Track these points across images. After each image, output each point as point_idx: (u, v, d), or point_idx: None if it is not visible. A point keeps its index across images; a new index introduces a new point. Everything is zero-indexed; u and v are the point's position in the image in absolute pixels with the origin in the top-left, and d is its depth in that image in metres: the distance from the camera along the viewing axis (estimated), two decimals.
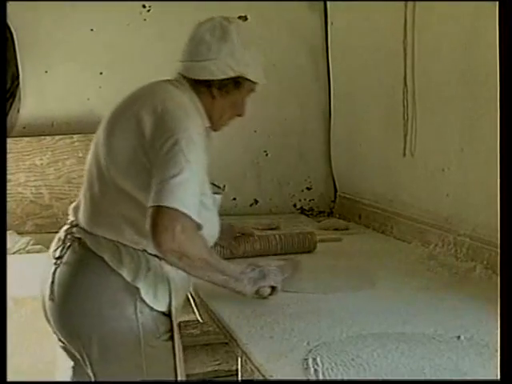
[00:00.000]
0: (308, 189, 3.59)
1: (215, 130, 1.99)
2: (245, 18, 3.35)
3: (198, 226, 1.72)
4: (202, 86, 1.93)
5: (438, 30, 2.47)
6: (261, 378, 1.46)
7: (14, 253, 2.80)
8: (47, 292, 1.87)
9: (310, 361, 1.47)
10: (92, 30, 3.26)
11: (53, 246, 1.95)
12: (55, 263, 1.87)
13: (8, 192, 3.01)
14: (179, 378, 1.87)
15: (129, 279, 1.79)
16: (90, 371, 1.86)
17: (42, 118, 3.24)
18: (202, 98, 1.92)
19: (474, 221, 2.30)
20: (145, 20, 3.31)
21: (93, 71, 3.28)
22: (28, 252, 2.85)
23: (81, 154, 3.14)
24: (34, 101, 3.22)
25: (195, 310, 2.08)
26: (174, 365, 1.86)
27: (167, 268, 1.83)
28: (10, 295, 1.86)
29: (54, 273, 1.86)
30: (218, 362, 2.81)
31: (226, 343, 1.79)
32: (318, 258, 2.46)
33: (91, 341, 1.81)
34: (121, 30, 3.29)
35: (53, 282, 1.85)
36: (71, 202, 3.02)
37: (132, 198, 1.81)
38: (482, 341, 1.57)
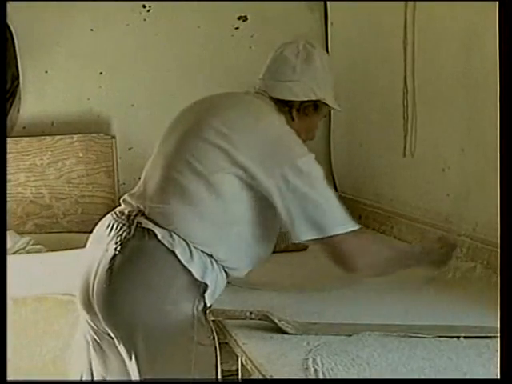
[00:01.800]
0: None
1: None
2: (245, 18, 3.35)
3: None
4: (282, 106, 1.99)
5: (438, 30, 2.47)
6: (261, 377, 1.46)
7: (14, 253, 2.80)
8: (99, 278, 1.83)
9: (310, 361, 1.47)
10: (92, 30, 3.26)
11: (102, 232, 1.91)
12: (115, 249, 1.82)
13: (8, 192, 3.00)
14: (219, 377, 1.88)
15: (198, 276, 1.80)
16: (134, 363, 1.82)
17: (42, 118, 3.23)
18: (283, 118, 1.97)
19: (474, 221, 2.30)
20: (145, 20, 3.30)
21: (93, 71, 3.27)
22: (28, 252, 2.84)
23: (81, 154, 3.14)
24: (34, 101, 3.22)
25: None
26: (216, 363, 1.86)
27: (223, 270, 1.87)
28: (10, 295, 1.86)
29: (112, 258, 1.82)
30: None
31: (226, 343, 1.79)
32: (318, 258, 2.46)
33: (145, 333, 1.79)
34: (121, 30, 3.28)
35: (110, 268, 1.81)
36: (71, 202, 3.02)
37: (215, 211, 1.83)
38: (481, 341, 1.57)
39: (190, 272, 1.79)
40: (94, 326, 1.93)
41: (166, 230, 1.82)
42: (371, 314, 1.79)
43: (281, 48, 2.04)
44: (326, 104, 2.04)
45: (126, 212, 1.90)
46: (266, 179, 1.81)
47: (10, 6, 2.87)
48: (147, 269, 1.80)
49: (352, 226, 1.82)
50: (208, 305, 1.83)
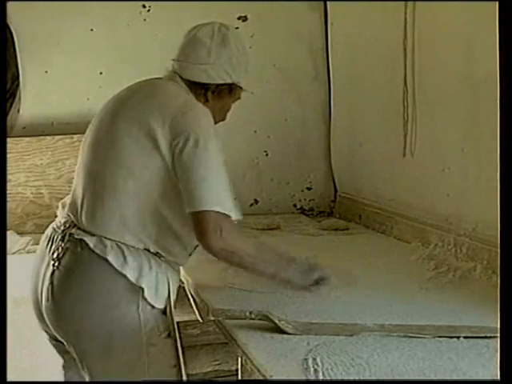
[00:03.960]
0: (308, 189, 3.59)
1: None
2: (245, 18, 3.35)
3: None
4: (197, 89, 1.97)
5: (438, 30, 2.47)
6: (261, 377, 1.46)
7: (13, 253, 2.80)
8: (44, 294, 1.87)
9: (310, 361, 1.47)
10: (92, 29, 3.26)
11: (44, 245, 1.95)
12: (53, 265, 1.86)
13: (8, 192, 3.00)
14: (182, 376, 1.89)
15: (133, 279, 1.82)
16: (85, 370, 1.87)
17: (42, 118, 3.24)
18: (197, 99, 1.95)
19: (474, 221, 2.30)
20: (145, 20, 3.31)
21: (93, 71, 3.28)
22: (28, 252, 2.84)
23: None
24: (34, 101, 3.22)
25: (195, 310, 2.08)
26: (177, 361, 1.89)
27: (165, 265, 1.88)
28: (10, 295, 1.86)
29: (52, 275, 1.86)
30: (218, 362, 2.80)
31: (226, 343, 1.79)
32: (318, 258, 2.46)
33: (94, 341, 1.82)
34: (121, 30, 3.29)
35: (51, 284, 1.85)
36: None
37: (137, 198, 1.83)
38: (482, 341, 1.57)
39: (125, 276, 1.82)
40: (49, 335, 1.99)
41: (97, 236, 1.84)
42: (371, 314, 1.79)
43: (194, 30, 1.99)
44: (240, 87, 2.04)
45: (62, 224, 1.93)
46: (168, 148, 1.80)
47: (9, 6, 2.87)
48: (85, 279, 1.83)
49: (229, 212, 1.79)
50: (157, 306, 1.85)
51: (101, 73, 3.29)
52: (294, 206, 3.59)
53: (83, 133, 3.15)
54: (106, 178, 1.86)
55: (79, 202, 1.90)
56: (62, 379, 2.13)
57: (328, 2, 3.44)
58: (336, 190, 3.54)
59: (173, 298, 1.90)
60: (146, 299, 1.83)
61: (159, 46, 3.30)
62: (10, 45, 3.08)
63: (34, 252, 2.80)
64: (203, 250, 1.86)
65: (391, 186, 2.92)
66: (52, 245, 1.91)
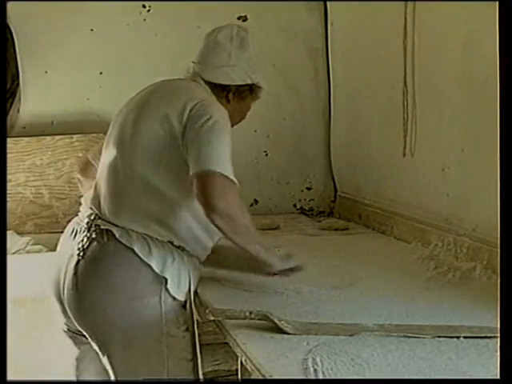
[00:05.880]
0: (308, 189, 3.59)
1: None
2: (245, 18, 3.35)
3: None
4: (219, 90, 2.03)
5: (438, 30, 2.47)
6: (261, 377, 1.46)
7: (13, 253, 2.80)
8: (67, 283, 1.90)
9: (310, 361, 1.47)
10: (92, 30, 3.26)
11: (66, 239, 1.98)
12: (78, 255, 1.89)
13: (8, 192, 3.01)
14: (198, 371, 1.92)
15: (157, 270, 1.85)
16: (105, 359, 1.90)
17: (42, 118, 3.24)
18: (219, 101, 2.00)
19: (474, 221, 2.30)
20: (145, 20, 3.31)
21: (93, 71, 3.28)
22: (28, 252, 2.85)
23: (81, 154, 3.14)
24: (34, 101, 3.22)
25: (195, 309, 2.08)
26: (194, 356, 1.92)
27: (187, 259, 1.92)
28: (10, 295, 1.86)
29: (76, 264, 1.89)
30: (217, 362, 2.80)
31: (226, 343, 1.79)
32: (318, 258, 2.46)
33: (116, 329, 1.86)
34: (121, 29, 3.29)
35: (75, 273, 1.88)
36: (71, 202, 3.02)
37: (158, 193, 1.87)
38: (482, 341, 1.57)
39: (150, 266, 1.85)
40: (68, 326, 2.00)
41: (122, 228, 1.87)
42: (371, 314, 1.79)
43: (214, 33, 2.07)
44: (260, 87, 2.10)
45: (86, 216, 1.96)
46: (181, 131, 1.85)
47: (9, 6, 2.88)
48: (110, 269, 1.86)
49: (232, 178, 1.80)
50: (178, 298, 1.89)
51: (101, 73, 3.29)
52: (294, 205, 3.59)
53: (83, 133, 3.19)
54: (129, 173, 1.89)
55: (102, 195, 1.94)
56: (61, 378, 2.14)
57: (328, 2, 3.44)
58: (336, 190, 3.54)
59: (193, 291, 1.93)
60: (168, 291, 1.86)
61: (159, 46, 3.30)
62: (10, 45, 3.08)
63: (34, 252, 2.83)
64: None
65: (391, 186, 2.92)
66: (76, 236, 1.94)
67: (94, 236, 1.89)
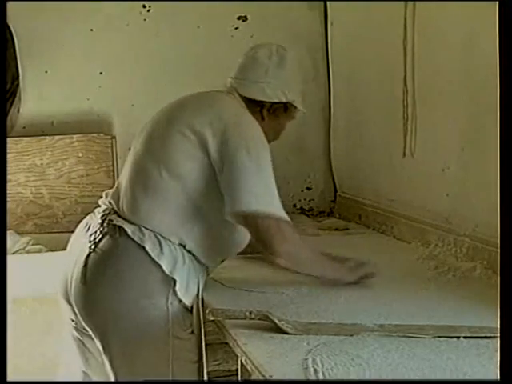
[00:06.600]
0: (308, 189, 3.59)
1: None
2: (245, 18, 3.35)
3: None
4: (253, 106, 2.04)
5: (438, 30, 2.47)
6: (261, 377, 1.46)
7: (13, 253, 2.80)
8: (76, 276, 1.90)
9: (310, 361, 1.47)
10: (92, 30, 3.26)
11: (79, 233, 2.00)
12: (89, 247, 1.90)
13: (8, 192, 3.01)
14: (202, 374, 1.94)
15: (167, 271, 1.86)
16: (106, 357, 1.89)
17: (42, 118, 3.24)
18: (253, 117, 2.00)
19: (474, 221, 2.30)
20: (145, 20, 3.31)
21: (93, 71, 3.28)
22: (28, 252, 2.85)
23: (81, 154, 3.15)
24: (34, 101, 3.22)
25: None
26: (199, 359, 1.93)
27: (197, 264, 1.93)
28: (10, 295, 1.86)
29: (87, 257, 1.89)
30: (217, 362, 2.80)
31: (226, 343, 1.79)
32: None
33: (121, 327, 1.85)
34: (121, 30, 3.29)
35: (85, 266, 1.88)
36: (71, 202, 3.03)
37: (181, 198, 1.89)
38: (482, 341, 1.57)
39: (160, 266, 1.85)
40: (74, 323, 1.99)
41: (136, 225, 1.88)
42: (371, 313, 1.79)
43: (254, 49, 2.10)
44: (295, 106, 2.10)
45: (101, 211, 1.98)
46: (218, 154, 1.86)
47: (9, 6, 2.87)
48: (120, 265, 1.87)
49: (284, 216, 1.88)
50: (185, 302, 1.88)
51: (101, 73, 3.29)
52: (294, 205, 3.58)
53: (83, 133, 3.19)
54: (153, 174, 1.91)
55: (123, 191, 1.96)
56: (62, 379, 2.14)
57: (328, 2, 3.44)
58: (336, 190, 3.54)
59: (200, 295, 1.94)
60: (176, 293, 1.86)
61: (159, 46, 3.30)
62: (10, 45, 3.08)
63: (34, 252, 2.83)
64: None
65: (391, 186, 2.92)
66: (89, 230, 1.95)
67: (106, 230, 1.90)
